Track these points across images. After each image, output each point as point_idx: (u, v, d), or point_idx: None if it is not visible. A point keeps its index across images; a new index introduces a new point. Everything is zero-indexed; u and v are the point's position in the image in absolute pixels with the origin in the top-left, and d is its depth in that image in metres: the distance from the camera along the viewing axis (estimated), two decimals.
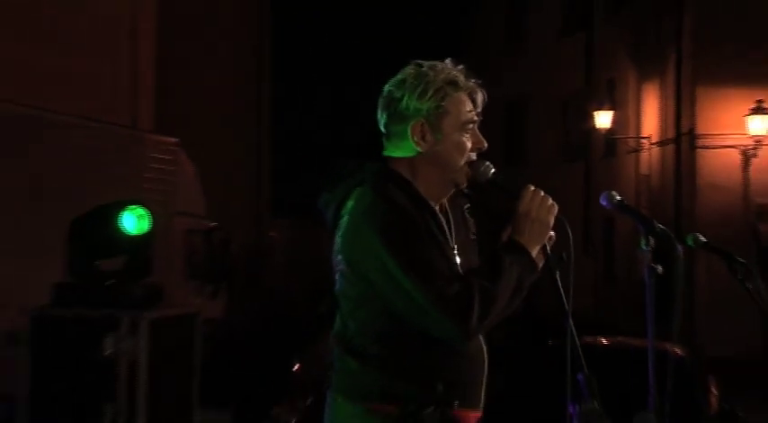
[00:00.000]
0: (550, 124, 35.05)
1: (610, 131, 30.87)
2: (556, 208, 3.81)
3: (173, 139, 14.03)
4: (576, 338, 3.76)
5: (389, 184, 3.79)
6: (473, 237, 4.07)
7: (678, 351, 4.77)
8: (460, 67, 3.91)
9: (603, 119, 30.02)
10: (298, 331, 14.01)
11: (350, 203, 3.77)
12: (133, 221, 8.71)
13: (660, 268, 4.16)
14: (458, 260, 3.88)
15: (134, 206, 8.81)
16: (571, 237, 3.86)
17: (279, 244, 29.77)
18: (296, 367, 12.05)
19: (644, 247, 4.14)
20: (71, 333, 8.34)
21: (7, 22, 18.04)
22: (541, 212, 3.77)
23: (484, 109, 3.95)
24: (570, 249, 3.80)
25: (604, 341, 11.35)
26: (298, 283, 26.50)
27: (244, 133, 29.32)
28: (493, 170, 3.86)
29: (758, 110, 24.31)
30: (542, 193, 3.82)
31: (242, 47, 29.58)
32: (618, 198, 4.24)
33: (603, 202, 4.24)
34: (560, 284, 3.83)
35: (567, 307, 3.82)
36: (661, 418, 4.20)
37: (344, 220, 3.79)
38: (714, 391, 11.85)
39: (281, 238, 30.70)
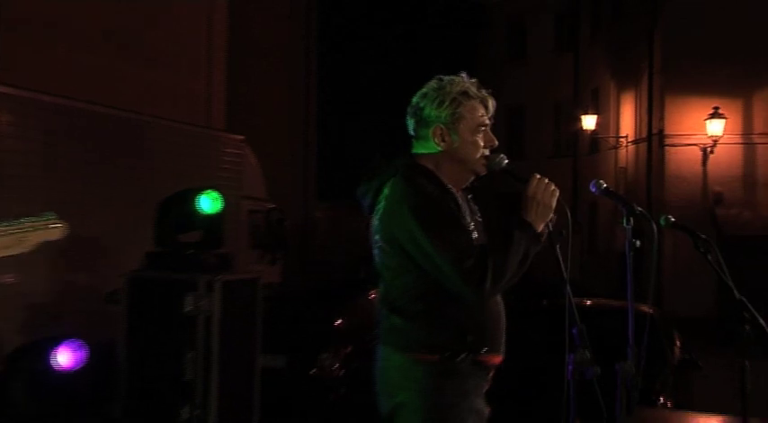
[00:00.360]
0: (544, 126, 35.05)
1: (593, 132, 30.96)
2: (557, 192, 3.90)
3: (240, 137, 14.05)
4: (572, 298, 3.82)
5: (417, 174, 3.90)
6: (479, 219, 4.11)
7: (649, 310, 4.80)
8: (473, 79, 4.04)
9: (588, 122, 30.14)
10: (339, 292, 14.02)
11: (385, 191, 3.90)
12: (209, 203, 8.78)
13: (638, 242, 4.22)
14: (474, 235, 3.95)
15: (209, 191, 8.88)
16: (569, 217, 3.94)
17: (322, 222, 29.73)
18: (338, 322, 12.09)
19: (625, 225, 4.20)
20: (158, 292, 8.41)
21: (111, 45, 18.13)
22: (545, 196, 3.86)
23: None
24: (569, 227, 3.88)
25: (588, 302, 11.35)
26: (337, 254, 26.46)
27: (295, 132, 29.29)
28: (506, 161, 3.96)
29: (715, 115, 24.49)
30: (546, 180, 3.90)
31: (293, 59, 29.52)
32: (604, 185, 4.33)
33: (593, 189, 4.32)
34: (560, 255, 3.91)
35: (564, 273, 3.89)
36: (637, 365, 4.26)
37: (381, 205, 3.92)
38: (677, 342, 11.86)
39: (324, 218, 30.66)
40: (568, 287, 3.83)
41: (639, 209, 4.38)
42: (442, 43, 37.26)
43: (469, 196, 4.22)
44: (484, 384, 4.04)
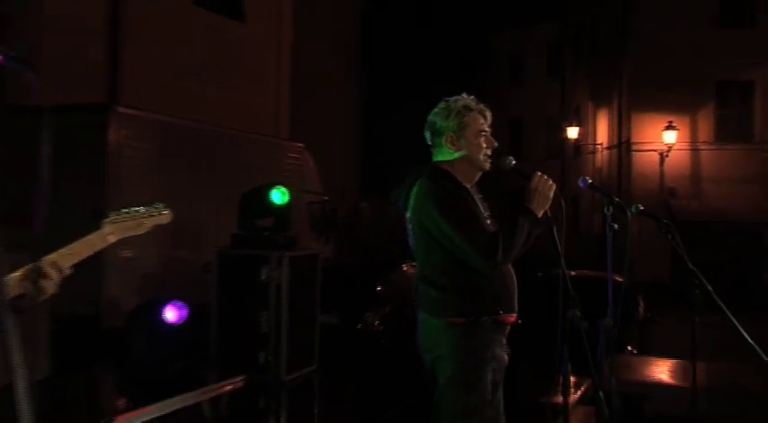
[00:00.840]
0: (539, 135, 35.01)
1: (576, 140, 30.97)
2: (554, 186, 3.91)
3: (300, 144, 14.05)
4: (565, 270, 3.83)
5: (439, 176, 3.94)
6: (488, 212, 4.10)
7: (620, 279, 4.79)
8: (472, 97, 4.10)
9: (572, 132, 30.25)
10: (379, 266, 14.04)
11: (414, 190, 3.91)
12: (279, 196, 8.79)
13: (616, 226, 4.23)
14: (488, 221, 3.96)
15: (279, 186, 8.89)
16: (563, 205, 3.94)
17: (366, 211, 29.68)
18: (378, 288, 12.12)
19: (606, 212, 4.22)
20: (241, 265, 8.45)
21: (204, 73, 18.20)
22: (545, 189, 3.88)
23: (495, 124, 4.08)
24: (563, 213, 3.89)
25: (573, 273, 11.31)
26: (376, 236, 26.46)
27: (344, 140, 29.31)
28: (514, 162, 3.98)
29: (669, 127, 25.02)
30: (545, 177, 3.91)
31: (343, 82, 29.52)
32: (589, 181, 4.41)
33: (581, 184, 4.37)
34: (556, 235, 3.91)
35: (560, 249, 3.88)
36: (615, 322, 4.27)
37: (412, 201, 3.97)
38: (641, 304, 11.81)
39: (367, 208, 30.63)
40: (563, 261, 3.84)
41: (617, 199, 4.41)
42: (461, 69, 37.27)
43: (479, 196, 4.21)
44: (502, 338, 4.05)
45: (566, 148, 32.45)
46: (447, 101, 4.09)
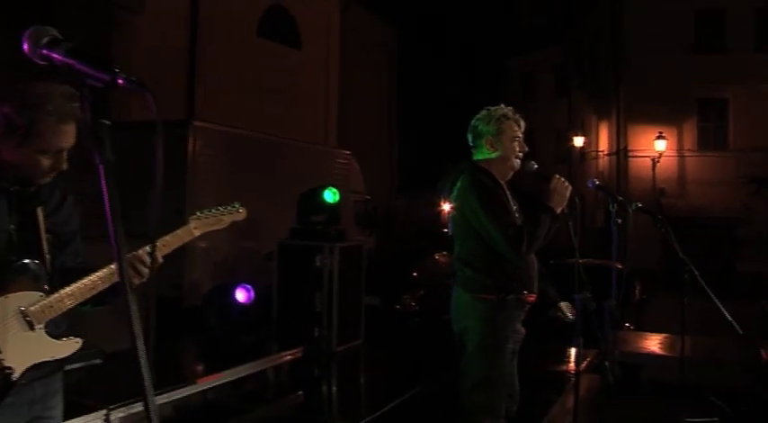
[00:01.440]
0: (549, 144, 34.75)
1: (581, 148, 30.73)
2: (570, 187, 3.91)
3: (347, 152, 14.12)
4: (579, 258, 3.84)
5: (479, 172, 3.96)
6: (517, 205, 4.11)
7: (620, 266, 4.77)
8: (510, 107, 4.15)
9: (578, 141, 29.95)
10: (413, 254, 14.05)
11: (458, 184, 3.92)
12: (330, 196, 8.82)
13: (620, 220, 4.25)
14: (516, 215, 3.97)
15: (331, 187, 8.93)
16: (577, 203, 3.95)
17: (401, 208, 29.77)
18: (414, 274, 12.13)
19: (611, 209, 4.26)
20: (299, 253, 8.47)
21: (267, 92, 18.34)
22: (562, 189, 3.88)
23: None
24: (577, 211, 3.90)
25: (580, 261, 11.27)
26: (410, 229, 26.49)
27: (384, 147, 29.36)
28: (536, 166, 3.99)
29: (660, 137, 25.20)
30: (563, 179, 3.92)
31: (382, 98, 29.56)
32: (597, 182, 4.43)
33: (590, 185, 4.43)
34: (571, 229, 3.91)
35: (574, 241, 3.89)
36: (618, 303, 4.29)
37: (455, 193, 3.96)
38: (637, 287, 11.74)
39: (402, 205, 30.71)
40: (577, 251, 3.86)
41: (620, 198, 4.42)
42: (480, 87, 37.18)
43: (510, 192, 4.22)
44: (522, 314, 4.07)
45: (572, 154, 32.32)
46: (489, 109, 4.13)
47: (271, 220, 9.69)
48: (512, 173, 4.16)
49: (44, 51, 1.58)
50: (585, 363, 7.03)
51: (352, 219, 13.78)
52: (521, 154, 4.10)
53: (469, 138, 4.17)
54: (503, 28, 40.62)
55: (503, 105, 4.17)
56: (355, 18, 25.25)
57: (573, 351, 8.48)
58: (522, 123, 4.15)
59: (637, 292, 11.96)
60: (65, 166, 2.47)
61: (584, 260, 10.81)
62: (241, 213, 3.12)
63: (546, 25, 36.45)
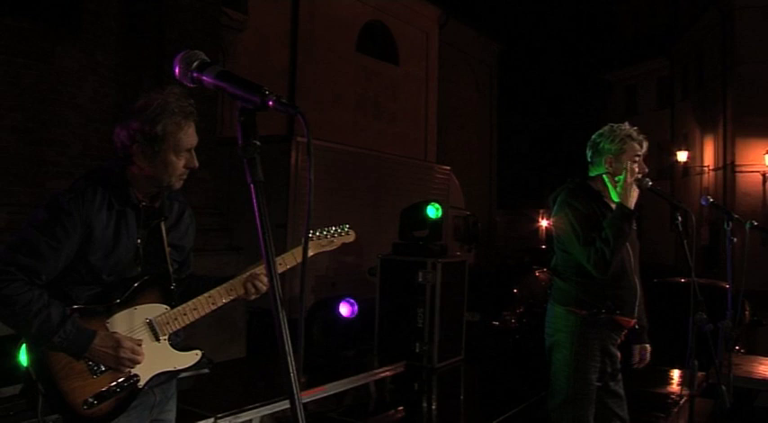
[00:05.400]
0: (651, 158, 33.94)
1: (685, 163, 29.97)
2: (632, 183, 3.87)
3: (447, 167, 14.15)
4: (695, 279, 3.75)
5: (579, 192, 3.93)
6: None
7: (727, 285, 4.60)
8: (635, 127, 4.01)
9: (681, 155, 29.12)
10: (513, 271, 13.94)
11: (558, 199, 3.89)
12: (433, 211, 8.86)
13: (735, 239, 4.15)
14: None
15: (434, 203, 8.97)
16: (694, 221, 3.86)
17: (501, 224, 29.58)
18: (514, 290, 12.02)
19: (726, 228, 4.20)
20: (401, 269, 8.54)
21: (365, 108, 18.56)
22: (625, 184, 3.83)
23: None
24: (693, 228, 3.82)
25: (682, 280, 10.97)
26: (511, 246, 26.30)
27: (483, 163, 29.25)
28: (651, 183, 3.90)
29: None
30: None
31: (481, 114, 29.48)
32: (711, 199, 4.32)
33: (703, 202, 4.34)
34: (686, 248, 3.82)
35: (690, 260, 3.79)
36: (734, 323, 4.16)
37: (555, 207, 3.97)
38: (747, 308, 11.35)
39: (502, 221, 30.53)
40: (693, 271, 3.75)
41: (736, 216, 4.30)
42: (581, 103, 36.67)
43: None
44: (617, 337, 3.99)
45: (675, 169, 31.53)
46: (612, 126, 4.03)
47: (371, 234, 9.80)
48: (637, 191, 3.97)
49: (195, 74, 1.67)
50: (699, 386, 6.83)
51: (452, 234, 13.77)
52: (640, 175, 3.94)
53: (588, 153, 4.10)
54: (605, 41, 40.03)
55: (627, 124, 4.05)
56: (454, 33, 25.30)
57: (677, 373, 8.32)
58: (645, 144, 4.01)
59: (746, 313, 11.55)
60: (196, 163, 2.59)
61: (686, 279, 10.55)
62: (350, 236, 3.16)
63: (648, 36, 35.77)
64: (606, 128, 4.03)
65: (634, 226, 3.97)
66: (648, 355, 4.16)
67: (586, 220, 3.85)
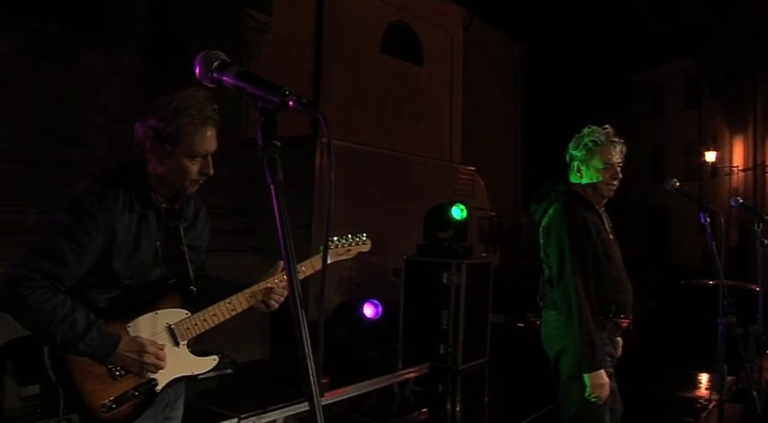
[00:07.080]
0: (677, 159, 33.72)
1: (713, 163, 29.69)
2: None
3: (472, 168, 14.10)
4: (724, 281, 3.67)
5: (573, 202, 3.76)
6: (611, 226, 3.90)
7: (757, 288, 4.52)
8: (607, 129, 3.81)
9: (710, 156, 28.88)
10: (538, 272, 13.85)
11: (550, 212, 3.77)
12: (458, 212, 8.85)
13: (766, 241, 4.06)
14: (611, 236, 3.83)
15: (458, 204, 8.94)
16: (723, 223, 3.78)
17: (525, 225, 29.40)
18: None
19: (756, 229, 4.09)
20: (425, 270, 8.52)
21: (390, 109, 18.58)
22: None
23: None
24: (723, 231, 3.74)
25: (710, 282, 10.86)
26: (535, 247, 26.16)
27: (508, 164, 29.18)
28: (678, 183, 3.80)
29: None
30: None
31: (506, 116, 29.41)
32: (741, 200, 4.22)
33: (733, 203, 4.26)
34: (714, 250, 3.75)
35: (719, 262, 3.72)
36: (764, 326, 4.09)
37: (546, 220, 3.79)
38: None
39: (526, 222, 30.35)
40: (722, 274, 3.67)
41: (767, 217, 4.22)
42: (609, 103, 36.43)
43: (606, 215, 3.98)
44: (616, 337, 3.90)
45: (703, 170, 31.26)
46: (587, 129, 3.86)
47: (395, 235, 9.77)
48: (605, 201, 3.88)
49: (215, 75, 1.64)
50: (728, 390, 6.74)
51: (477, 235, 13.72)
52: (614, 182, 3.80)
53: (566, 158, 3.96)
54: (631, 41, 39.73)
55: (605, 127, 3.84)
56: (479, 34, 25.23)
57: (705, 376, 8.21)
58: (620, 147, 3.80)
59: None
60: (212, 170, 2.55)
61: (714, 281, 10.42)
62: (366, 245, 3.15)
63: (675, 36, 35.49)
64: (584, 130, 3.87)
65: (609, 224, 3.89)
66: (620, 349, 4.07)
67: (582, 238, 3.68)
